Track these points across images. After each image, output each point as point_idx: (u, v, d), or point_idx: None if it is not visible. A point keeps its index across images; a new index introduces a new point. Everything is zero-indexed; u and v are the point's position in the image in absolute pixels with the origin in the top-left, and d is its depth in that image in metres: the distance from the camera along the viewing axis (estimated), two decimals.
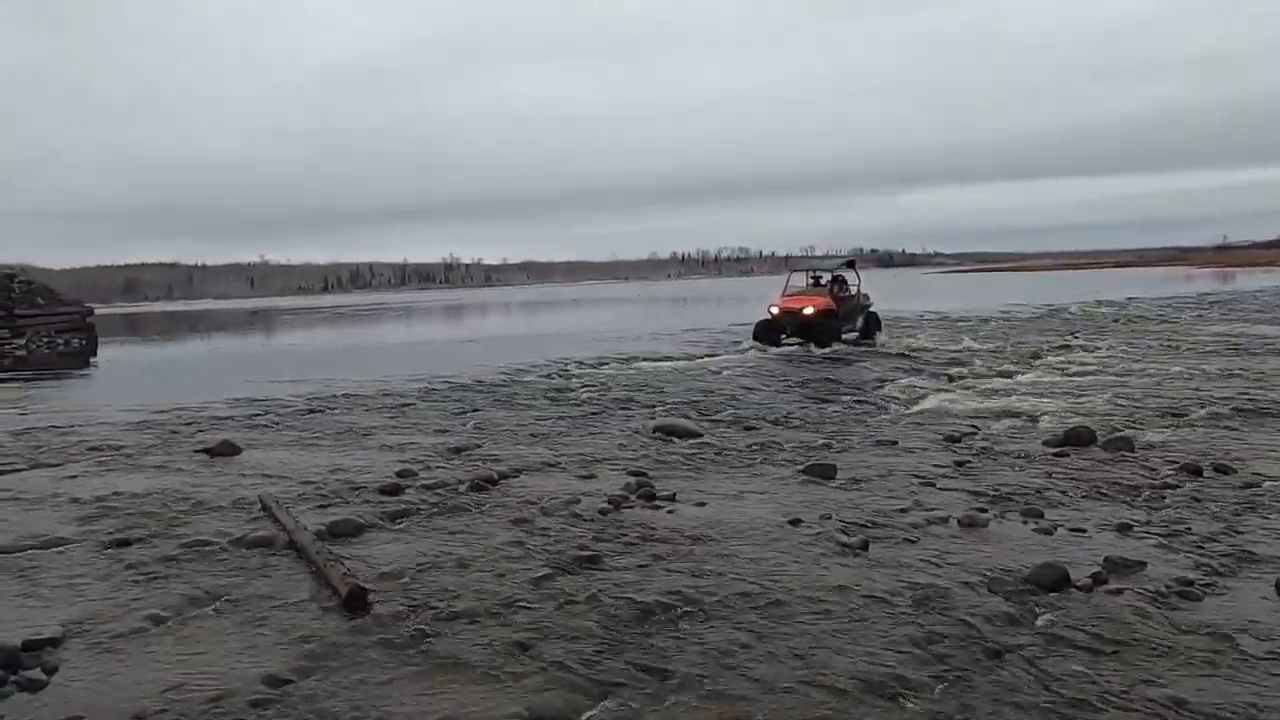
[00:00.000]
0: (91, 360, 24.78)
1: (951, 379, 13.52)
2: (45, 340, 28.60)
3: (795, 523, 5.70)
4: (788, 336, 19.02)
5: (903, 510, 5.97)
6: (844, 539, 5.31)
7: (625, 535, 5.53)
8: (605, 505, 6.21)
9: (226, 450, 8.72)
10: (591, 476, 7.26)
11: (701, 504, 6.25)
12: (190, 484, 7.35)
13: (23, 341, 27.92)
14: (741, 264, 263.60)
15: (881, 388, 12.58)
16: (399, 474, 7.38)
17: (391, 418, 10.94)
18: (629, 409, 11.05)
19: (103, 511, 6.47)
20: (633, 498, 6.46)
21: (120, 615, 4.37)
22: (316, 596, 4.57)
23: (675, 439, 8.81)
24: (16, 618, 4.38)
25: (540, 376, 15.02)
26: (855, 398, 11.56)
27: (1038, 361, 15.40)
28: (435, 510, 6.26)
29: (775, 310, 19.73)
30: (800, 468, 7.29)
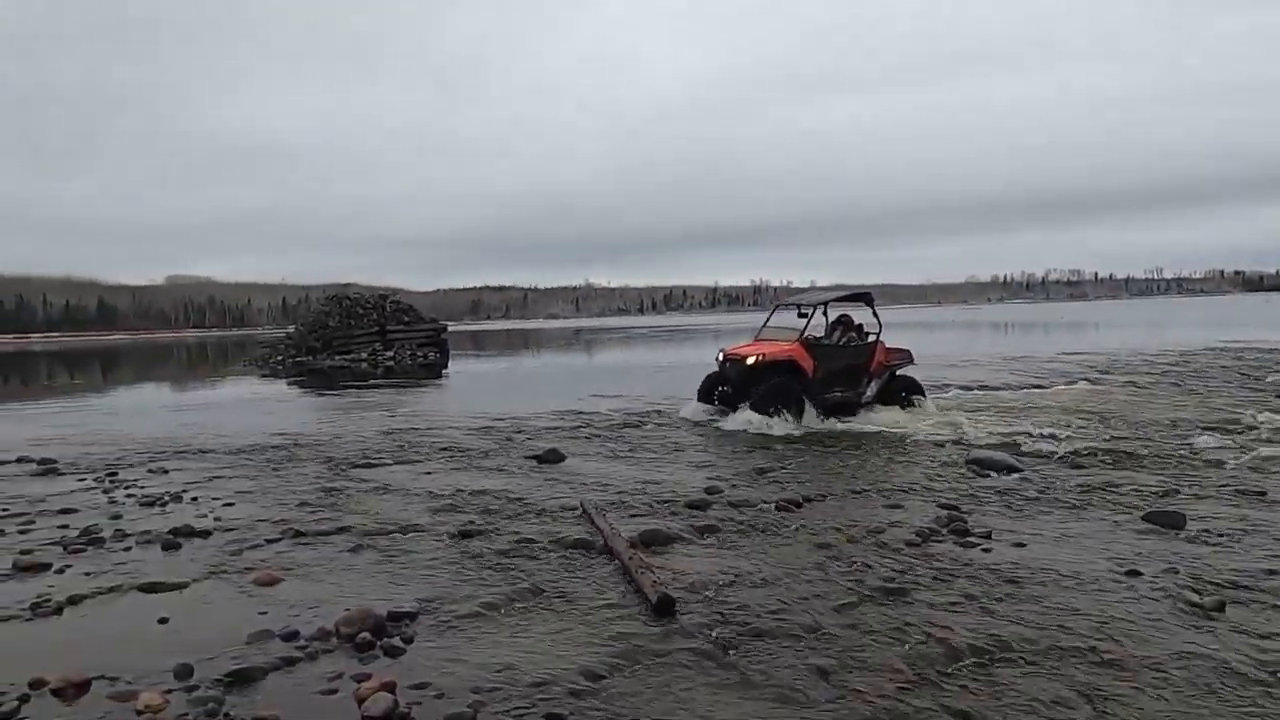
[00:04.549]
0: (444, 371, 28.02)
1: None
2: (409, 353, 32.87)
3: (1133, 574, 5.13)
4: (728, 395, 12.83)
5: (1270, 571, 5.16)
6: (1193, 598, 4.69)
7: (935, 570, 5.28)
8: (913, 537, 5.98)
9: (553, 458, 9.51)
10: (899, 506, 7.02)
11: (1020, 544, 5.82)
12: (522, 486, 8.10)
13: (391, 354, 32.29)
14: (1073, 287, 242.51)
15: (1248, 423, 10.93)
16: (707, 490, 7.61)
17: (701, 436, 11.30)
18: (935, 437, 10.53)
19: (450, 505, 7.32)
20: (943, 531, 6.16)
21: (463, 598, 4.92)
22: (628, 600, 4.84)
23: (991, 473, 8.27)
24: (382, 591, 5.08)
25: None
26: (1209, 434, 10.13)
27: None
28: (741, 528, 6.38)
29: (720, 357, 13.43)
30: (1140, 514, 6.54)
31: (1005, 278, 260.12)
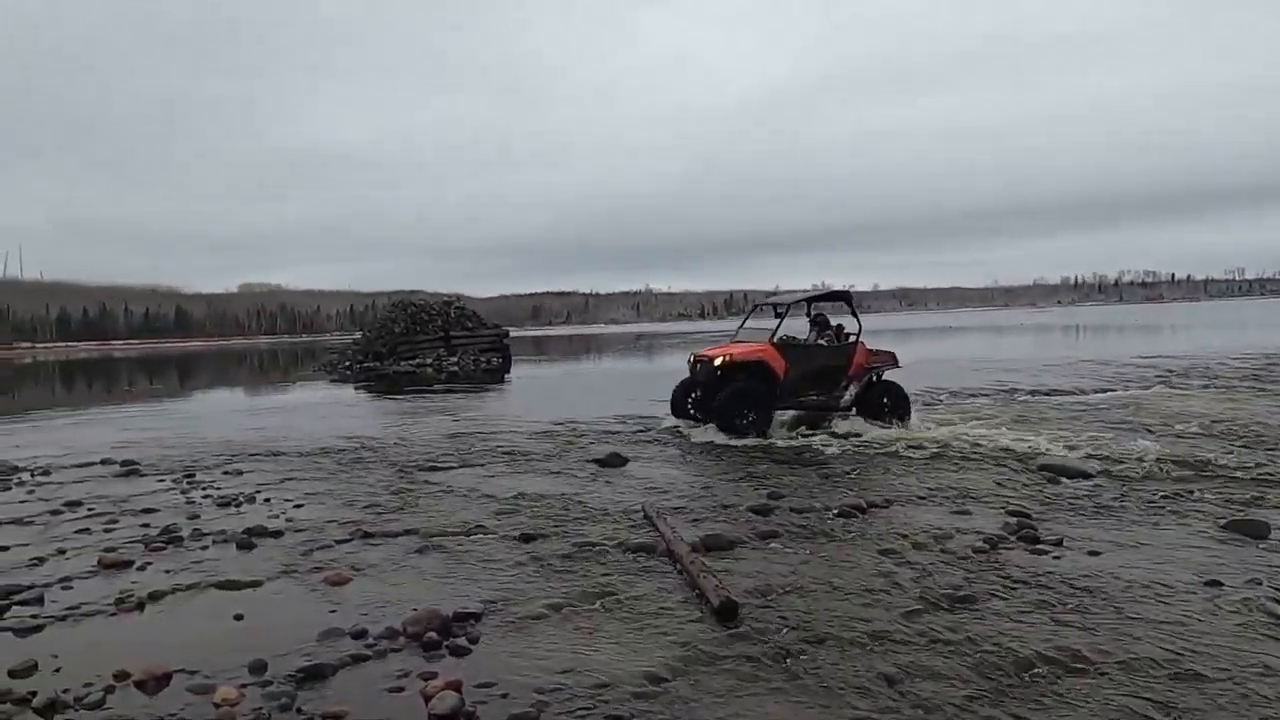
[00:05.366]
0: (506, 376, 28.31)
1: None
2: (472, 358, 33.26)
3: (1214, 585, 4.95)
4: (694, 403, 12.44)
5: None
6: (1278, 610, 4.51)
7: (1004, 578, 5.17)
8: (981, 544, 5.86)
9: (614, 462, 9.54)
10: (966, 513, 6.89)
11: (1094, 553, 5.66)
12: (583, 490, 8.15)
13: (455, 359, 32.72)
14: (1148, 289, 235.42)
15: None
16: (769, 495, 7.57)
17: (763, 441, 11.20)
18: (1003, 444, 10.28)
19: (513, 508, 7.40)
20: (1012, 539, 6.02)
21: (526, 600, 4.97)
22: (690, 604, 4.84)
23: (1063, 479, 8.06)
24: (448, 592, 5.16)
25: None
26: None
27: None
28: (803, 533, 6.33)
29: (690, 360, 12.84)
30: (1222, 523, 6.32)
31: (1076, 279, 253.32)
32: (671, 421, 12.62)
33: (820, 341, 12.46)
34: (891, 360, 12.46)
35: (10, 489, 9.03)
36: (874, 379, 12.25)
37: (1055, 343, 38.74)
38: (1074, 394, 15.82)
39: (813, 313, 12.97)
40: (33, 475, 9.87)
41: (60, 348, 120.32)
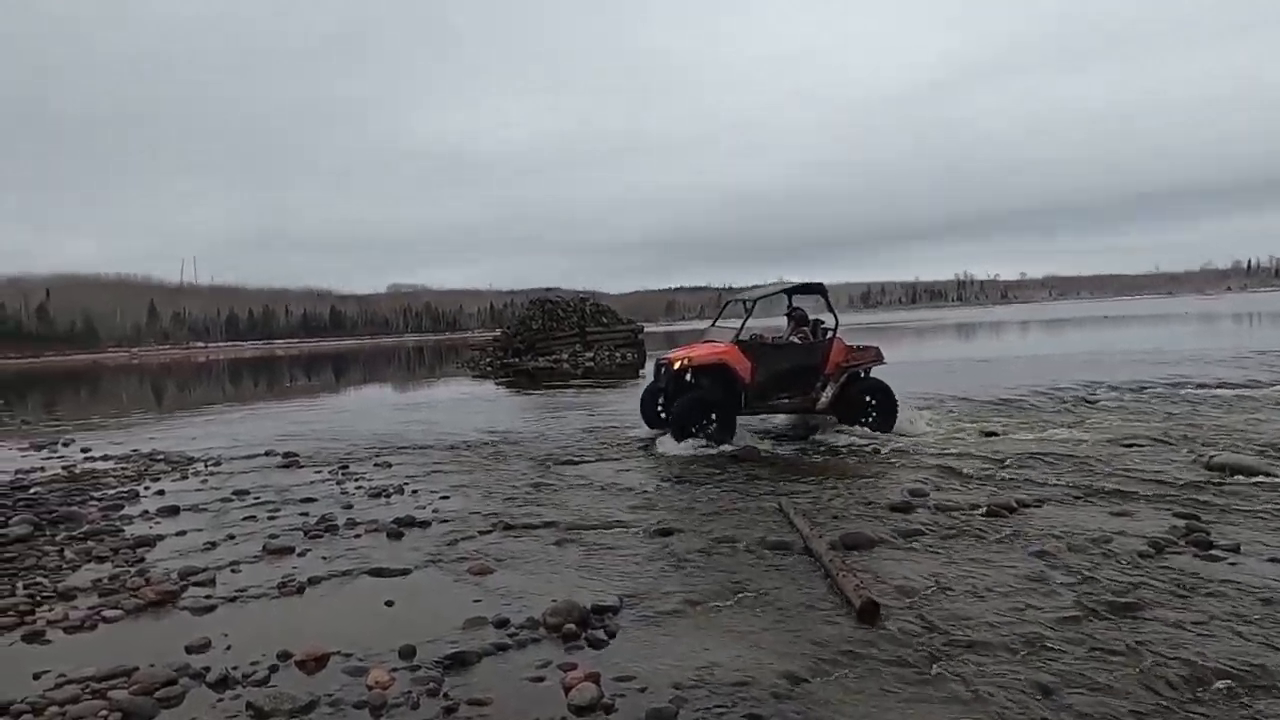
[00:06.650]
0: (640, 371, 28.52)
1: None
2: (607, 353, 33.75)
3: None
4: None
5: None
6: None
7: (1172, 585, 4.81)
8: (1145, 548, 5.47)
9: (750, 456, 9.45)
10: (1126, 514, 6.45)
11: (1277, 560, 5.20)
12: (719, 485, 8.11)
13: (591, 354, 33.29)
14: None
15: None
16: (911, 492, 7.32)
17: (901, 435, 10.86)
18: (1169, 440, 9.59)
19: (648, 502, 7.44)
20: (1181, 543, 5.60)
21: (662, 595, 4.97)
22: (829, 603, 4.72)
23: (1238, 477, 7.44)
24: (586, 585, 5.23)
25: (1064, 402, 13.76)
26: None
27: None
28: (948, 532, 6.08)
29: (656, 363, 11.97)
30: None
31: (1250, 263, 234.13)
32: (644, 432, 11.78)
33: (794, 339, 11.58)
34: (875, 356, 11.41)
35: (187, 478, 9.76)
36: (858, 375, 11.24)
37: (1225, 332, 35.91)
38: (1247, 386, 14.61)
39: (789, 307, 12.06)
40: (206, 466, 10.63)
41: (229, 347, 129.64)
